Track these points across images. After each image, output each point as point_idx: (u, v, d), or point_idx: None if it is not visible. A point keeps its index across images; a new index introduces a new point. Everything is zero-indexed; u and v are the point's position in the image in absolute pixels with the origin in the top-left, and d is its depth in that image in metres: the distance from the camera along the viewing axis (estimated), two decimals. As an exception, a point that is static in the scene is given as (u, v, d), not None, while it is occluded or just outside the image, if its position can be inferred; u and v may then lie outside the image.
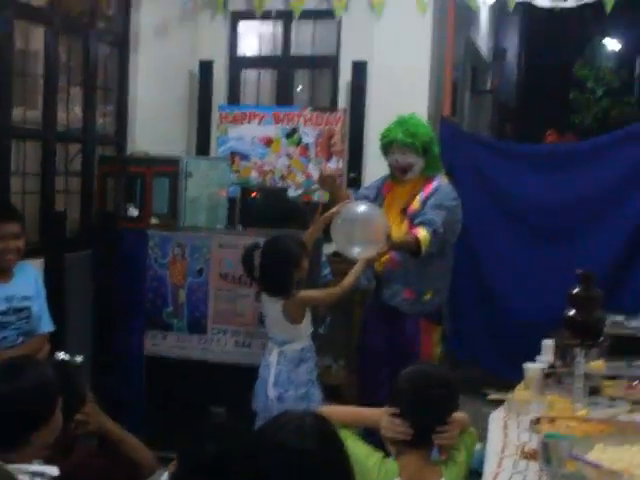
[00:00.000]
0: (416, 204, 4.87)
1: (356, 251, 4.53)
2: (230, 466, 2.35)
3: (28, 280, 4.38)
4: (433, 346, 4.92)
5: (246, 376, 4.66)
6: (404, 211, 4.89)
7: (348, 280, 4.53)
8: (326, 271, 5.48)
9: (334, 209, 4.63)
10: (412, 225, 4.79)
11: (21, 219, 4.40)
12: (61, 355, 3.43)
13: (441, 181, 4.97)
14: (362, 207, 4.65)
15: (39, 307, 4.39)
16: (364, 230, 4.49)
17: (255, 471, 2.01)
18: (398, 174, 4.97)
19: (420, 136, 4.87)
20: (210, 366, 5.18)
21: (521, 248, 6.36)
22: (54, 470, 2.59)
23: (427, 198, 4.85)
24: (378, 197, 5.06)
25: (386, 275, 4.92)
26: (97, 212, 5.85)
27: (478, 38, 10.63)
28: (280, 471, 1.96)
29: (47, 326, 4.45)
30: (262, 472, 1.98)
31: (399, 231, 4.81)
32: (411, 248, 4.70)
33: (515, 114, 11.21)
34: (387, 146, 4.96)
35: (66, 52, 5.91)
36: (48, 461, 2.66)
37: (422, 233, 4.67)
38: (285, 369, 4.45)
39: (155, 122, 6.60)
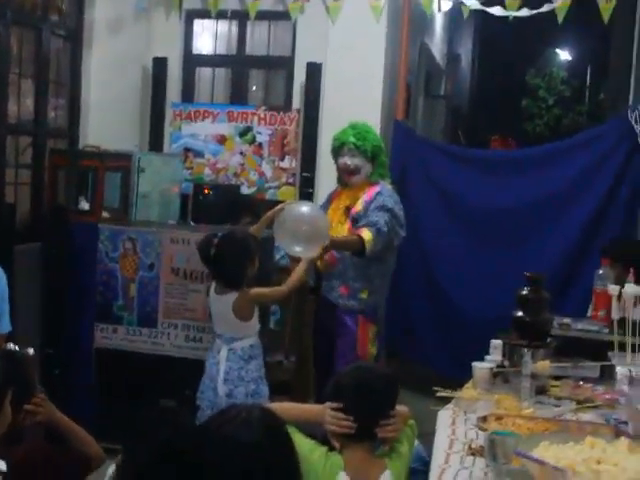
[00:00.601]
0: (359, 206, 5.00)
1: (298, 249, 4.61)
2: (177, 457, 2.34)
3: None
4: (369, 343, 5.03)
5: (196, 370, 4.66)
6: (347, 211, 5.03)
7: (292, 279, 4.59)
8: (278, 255, 5.50)
9: (277, 207, 4.73)
10: (354, 227, 4.91)
11: None
12: (11, 346, 3.41)
13: (384, 186, 5.11)
14: (305, 207, 4.78)
15: (0, 310, 4.34)
16: (306, 229, 4.57)
17: (202, 463, 2.00)
18: (345, 177, 5.11)
19: (370, 141, 5.05)
20: (160, 360, 5.18)
21: (470, 250, 6.42)
22: (2, 465, 2.56)
23: (370, 201, 4.99)
24: (327, 205, 5.21)
25: (325, 270, 5.04)
26: (48, 205, 5.80)
27: (432, 44, 10.70)
28: (227, 463, 1.96)
29: (5, 327, 4.41)
30: (209, 464, 1.98)
31: (342, 230, 4.96)
32: (354, 247, 4.82)
33: (468, 120, 11.30)
34: (338, 149, 5.09)
35: (18, 44, 5.84)
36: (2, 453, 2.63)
37: (366, 233, 4.79)
38: (235, 366, 4.47)
39: (108, 117, 6.55)
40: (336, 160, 5.15)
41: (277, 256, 5.54)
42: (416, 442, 3.26)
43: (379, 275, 5.06)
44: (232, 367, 4.47)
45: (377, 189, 5.04)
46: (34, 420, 3.02)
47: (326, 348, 5.05)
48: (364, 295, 5.01)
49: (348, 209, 5.04)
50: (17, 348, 3.37)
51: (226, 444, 1.99)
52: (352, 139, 5.02)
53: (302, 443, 2.80)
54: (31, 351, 3.40)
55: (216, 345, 4.59)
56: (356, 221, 4.92)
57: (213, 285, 4.59)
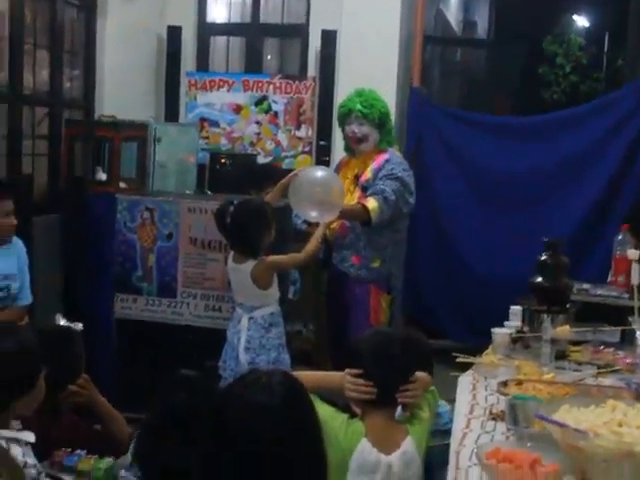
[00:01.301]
0: (368, 173, 4.97)
1: (314, 214, 4.62)
2: (198, 420, 2.36)
3: (12, 258, 4.34)
4: (382, 312, 5.01)
5: (216, 339, 4.68)
6: (356, 180, 5.00)
7: (311, 245, 4.60)
8: (299, 221, 5.49)
9: (292, 174, 4.74)
10: (363, 195, 4.88)
11: (13, 195, 4.37)
12: (60, 319, 3.41)
13: (393, 153, 5.08)
14: (319, 171, 4.79)
15: (20, 283, 4.37)
16: (322, 193, 4.56)
17: (223, 427, 2.00)
18: (353, 144, 5.08)
19: (377, 108, 5.01)
20: (180, 329, 5.19)
21: (488, 217, 6.42)
22: (30, 436, 2.59)
23: (379, 169, 4.95)
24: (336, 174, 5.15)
25: (337, 241, 5.03)
26: (65, 176, 5.80)
27: (448, 10, 10.62)
28: (248, 428, 1.95)
29: (26, 299, 4.44)
30: (230, 429, 1.97)
31: (352, 199, 4.93)
32: (360, 217, 4.81)
33: (484, 87, 11.20)
34: (345, 116, 5.06)
35: (32, 15, 5.82)
36: (33, 425, 2.66)
37: (371, 203, 4.77)
38: (257, 335, 4.48)
39: (123, 87, 6.55)
40: (343, 128, 5.12)
41: (297, 221, 5.53)
42: (449, 406, 3.27)
43: (391, 244, 5.03)
44: (253, 336, 4.48)
45: (386, 156, 5.01)
46: (76, 401, 3.07)
47: (340, 319, 5.04)
48: (376, 264, 4.98)
49: (357, 177, 5.01)
50: (66, 321, 3.39)
51: (247, 408, 1.97)
52: (359, 107, 4.97)
53: (323, 410, 2.80)
54: (80, 326, 3.42)
55: (237, 314, 4.60)
56: (365, 189, 4.90)
57: (231, 255, 4.59)
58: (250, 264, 4.46)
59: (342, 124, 5.12)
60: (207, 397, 2.51)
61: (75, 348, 3.19)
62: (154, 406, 2.60)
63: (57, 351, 3.03)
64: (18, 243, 4.42)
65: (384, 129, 5.05)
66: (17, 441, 2.54)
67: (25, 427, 2.65)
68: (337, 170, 5.24)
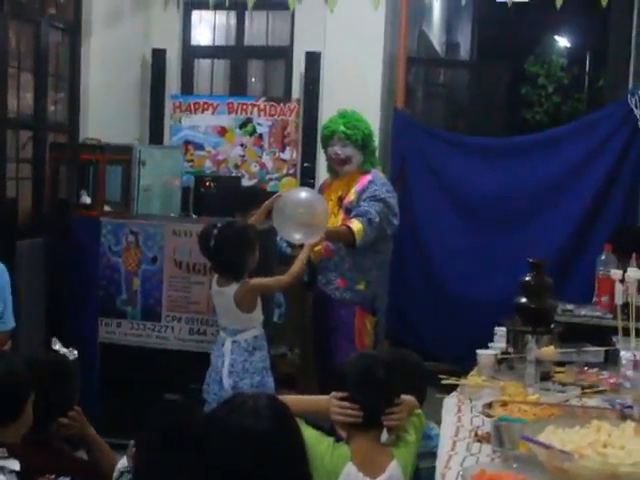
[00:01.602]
0: (351, 195, 4.98)
1: (298, 237, 4.61)
2: (184, 444, 2.35)
3: None
4: (367, 335, 5.01)
5: (201, 363, 4.65)
6: (340, 202, 5.00)
7: (295, 267, 4.59)
8: (284, 244, 5.48)
9: (275, 195, 4.75)
10: (347, 217, 4.89)
11: None
12: (56, 344, 3.38)
13: (376, 174, 5.09)
14: (303, 193, 4.77)
15: (2, 306, 4.33)
16: (305, 215, 4.55)
17: (208, 450, 1.99)
18: (336, 166, 5.08)
19: (361, 129, 5.02)
20: (164, 353, 5.18)
21: (472, 238, 6.43)
22: (15, 464, 2.57)
23: (362, 190, 4.96)
24: None
25: (322, 264, 5.02)
26: (49, 199, 5.79)
27: (431, 32, 10.68)
28: (235, 452, 1.95)
29: (9, 323, 4.40)
30: (216, 453, 1.97)
31: (335, 221, 4.94)
32: (345, 239, 4.81)
33: (467, 108, 11.27)
34: (328, 138, 5.07)
35: (16, 38, 5.83)
36: (17, 451, 2.64)
37: (356, 224, 4.78)
38: (240, 358, 4.45)
39: (108, 110, 6.55)
40: (326, 150, 5.12)
41: (283, 245, 5.52)
42: (437, 428, 3.27)
43: (375, 266, 5.04)
44: (236, 359, 4.45)
45: (369, 177, 5.01)
46: (67, 433, 3.06)
47: (325, 341, 5.03)
48: (361, 286, 4.99)
49: (340, 199, 5.01)
50: (62, 349, 3.36)
51: (233, 433, 1.97)
52: (342, 128, 4.98)
53: (309, 433, 2.80)
54: (75, 353, 3.39)
55: (220, 338, 4.58)
56: (349, 211, 4.90)
57: (215, 278, 4.58)
58: (233, 287, 4.44)
59: (325, 146, 5.13)
60: (193, 421, 2.50)
61: (70, 380, 3.17)
62: (142, 430, 2.59)
63: (51, 383, 3.01)
64: None
65: (367, 150, 5.06)
66: (1, 469, 2.52)
67: (10, 454, 2.62)
68: (320, 192, 5.23)
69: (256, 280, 4.51)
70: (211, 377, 4.55)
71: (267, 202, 4.75)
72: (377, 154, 5.30)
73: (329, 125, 5.09)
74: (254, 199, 5.47)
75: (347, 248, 4.88)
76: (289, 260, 4.85)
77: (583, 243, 6.09)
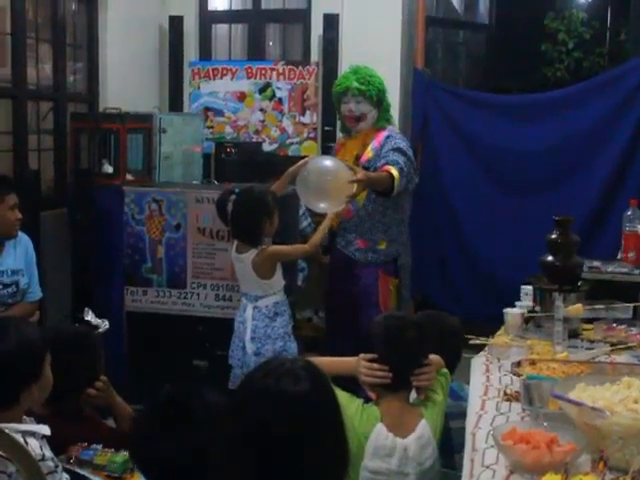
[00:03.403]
0: (369, 153, 4.90)
1: (322, 205, 4.54)
2: (186, 411, 2.37)
3: (19, 253, 4.36)
4: (390, 297, 4.97)
5: (227, 329, 4.68)
6: (357, 160, 4.90)
7: (316, 236, 4.57)
8: (305, 223, 5.47)
9: (300, 162, 4.66)
10: (380, 166, 4.76)
11: (16, 189, 4.37)
12: (89, 314, 3.40)
13: (393, 130, 5.01)
14: (328, 161, 4.66)
15: (29, 278, 4.38)
16: (330, 184, 4.46)
17: (247, 414, 1.97)
18: (351, 124, 4.99)
19: (374, 84, 4.91)
20: (191, 320, 5.20)
21: (496, 196, 6.40)
22: (45, 429, 2.59)
23: (381, 146, 4.86)
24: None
25: (341, 225, 4.98)
26: (71, 170, 5.80)
27: (449, -10, 10.55)
28: (275, 415, 1.92)
29: (36, 294, 4.45)
30: (254, 417, 1.94)
31: None
32: (385, 184, 4.66)
33: (487, 66, 11.15)
34: (341, 94, 4.97)
35: (33, 9, 5.80)
36: (48, 422, 2.66)
37: (394, 171, 4.65)
38: (261, 324, 4.47)
39: (126, 78, 6.53)
40: (339, 107, 5.03)
41: (304, 224, 5.49)
42: (467, 387, 3.28)
43: (395, 222, 4.97)
44: (258, 325, 4.47)
45: (385, 133, 4.93)
46: (94, 403, 3.09)
47: (347, 305, 4.95)
48: (382, 246, 4.94)
49: (357, 158, 4.91)
50: (94, 317, 3.38)
51: (272, 396, 1.95)
52: (356, 84, 4.88)
53: (340, 396, 2.81)
54: (106, 323, 3.42)
55: (242, 304, 4.59)
56: (367, 170, 4.74)
57: (234, 244, 4.57)
58: (251, 253, 4.44)
59: (338, 103, 5.03)
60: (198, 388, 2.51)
61: (94, 352, 3.20)
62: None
63: (76, 355, 3.04)
64: (24, 238, 4.42)
65: (382, 106, 4.96)
66: (33, 434, 2.55)
67: (39, 422, 2.66)
68: (334, 153, 5.15)
69: (275, 247, 4.49)
70: (234, 343, 4.57)
71: (291, 169, 4.69)
72: (396, 114, 5.18)
73: (342, 82, 4.99)
74: (272, 169, 5.43)
75: (365, 207, 4.78)
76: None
77: (609, 200, 6.03)
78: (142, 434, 2.44)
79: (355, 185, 4.42)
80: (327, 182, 4.46)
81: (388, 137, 4.90)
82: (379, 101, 4.94)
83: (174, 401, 2.45)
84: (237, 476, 1.91)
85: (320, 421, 1.96)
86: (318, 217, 4.90)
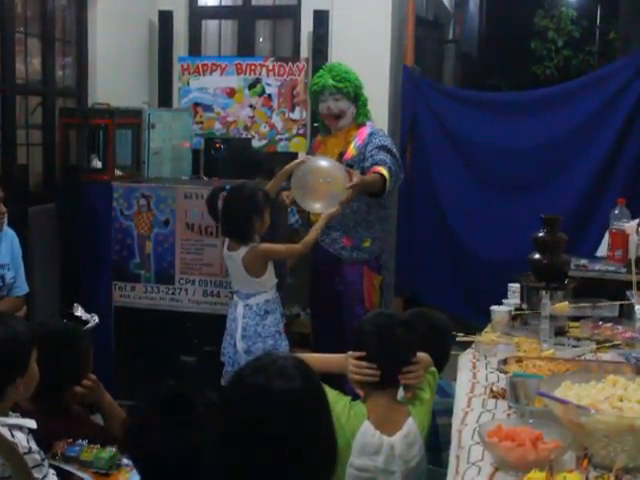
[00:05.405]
0: (352, 151, 4.88)
1: (317, 206, 4.54)
2: (184, 406, 2.37)
3: (5, 247, 4.34)
4: (374, 293, 4.97)
5: (215, 326, 4.68)
6: (340, 157, 4.88)
7: (310, 236, 4.56)
8: (293, 219, 5.48)
9: (295, 161, 4.66)
10: (369, 168, 4.74)
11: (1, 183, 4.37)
12: (78, 309, 3.39)
13: (374, 126, 5.00)
14: (324, 162, 4.64)
15: (15, 272, 4.36)
16: (327, 186, 4.46)
17: (237, 411, 1.97)
18: (331, 122, 4.98)
19: (351, 81, 4.91)
20: (179, 316, 5.20)
21: (484, 194, 6.42)
22: (32, 423, 2.59)
23: (364, 144, 4.86)
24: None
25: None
26: (60, 165, 5.79)
27: (440, -13, 10.57)
28: (267, 413, 1.92)
29: (22, 289, 4.44)
30: (244, 412, 1.94)
31: None
32: (379, 186, 4.66)
33: (477, 64, 11.20)
34: (318, 94, 4.96)
35: (22, 3, 5.79)
36: (33, 416, 2.66)
37: (384, 171, 4.65)
38: (252, 322, 4.46)
39: (116, 74, 6.51)
40: (317, 106, 5.02)
41: (292, 219, 5.50)
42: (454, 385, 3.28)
43: (379, 220, 4.98)
44: (249, 323, 4.46)
45: (367, 130, 4.92)
46: (82, 401, 3.09)
47: (333, 302, 4.97)
48: (367, 244, 4.94)
49: (341, 155, 4.90)
50: (84, 314, 3.37)
51: (262, 392, 1.94)
52: (332, 82, 4.87)
53: (329, 393, 2.82)
54: (95, 318, 3.40)
55: (234, 301, 4.59)
56: (351, 167, 4.74)
57: (226, 241, 4.56)
58: (242, 251, 4.43)
59: (316, 103, 5.02)
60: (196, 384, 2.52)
61: (81, 348, 3.19)
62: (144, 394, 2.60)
63: (63, 351, 3.03)
64: (9, 232, 4.41)
65: (359, 102, 4.96)
66: (20, 428, 2.55)
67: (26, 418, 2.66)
68: (312, 152, 5.12)
69: (268, 245, 4.48)
70: (226, 340, 4.57)
71: (287, 167, 4.68)
72: (385, 111, 5.17)
73: (317, 81, 4.97)
74: (260, 167, 5.43)
75: (349, 205, 4.75)
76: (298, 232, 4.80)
77: (597, 197, 6.06)
78: (141, 430, 2.44)
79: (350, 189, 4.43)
80: (324, 184, 4.46)
81: (371, 134, 4.89)
82: (356, 96, 4.94)
83: (175, 397, 2.46)
84: (226, 473, 1.92)
85: (311, 419, 1.97)
86: (305, 212, 4.89)
